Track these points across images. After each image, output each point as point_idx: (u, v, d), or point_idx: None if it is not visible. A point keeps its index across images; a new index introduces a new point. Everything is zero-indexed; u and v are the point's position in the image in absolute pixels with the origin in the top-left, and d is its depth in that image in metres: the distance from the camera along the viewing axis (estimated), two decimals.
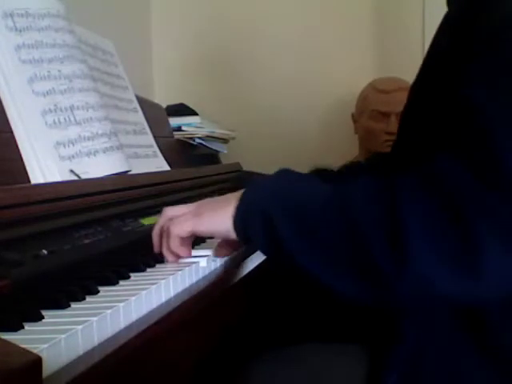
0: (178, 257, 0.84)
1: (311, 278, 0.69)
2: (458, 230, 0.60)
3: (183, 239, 0.82)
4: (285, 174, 0.79)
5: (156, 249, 0.86)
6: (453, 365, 0.76)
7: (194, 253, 0.90)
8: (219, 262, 0.89)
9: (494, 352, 0.74)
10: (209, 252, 0.88)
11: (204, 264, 0.84)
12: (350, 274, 0.67)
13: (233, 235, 0.77)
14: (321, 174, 1.11)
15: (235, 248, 0.90)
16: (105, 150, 1.06)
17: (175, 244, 0.82)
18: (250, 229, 0.74)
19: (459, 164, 0.63)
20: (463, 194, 0.61)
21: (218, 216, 0.78)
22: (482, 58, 0.68)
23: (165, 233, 0.83)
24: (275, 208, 0.71)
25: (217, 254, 0.88)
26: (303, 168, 1.26)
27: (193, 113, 1.79)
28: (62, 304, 0.63)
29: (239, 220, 0.75)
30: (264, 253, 0.77)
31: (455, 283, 0.62)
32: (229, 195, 0.80)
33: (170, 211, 0.85)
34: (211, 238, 1.01)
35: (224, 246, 0.88)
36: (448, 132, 0.69)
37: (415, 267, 0.62)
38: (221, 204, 0.79)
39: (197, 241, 0.98)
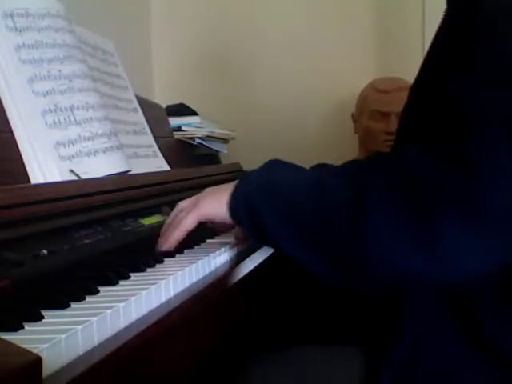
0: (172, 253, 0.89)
1: (296, 264, 0.75)
2: (416, 209, 0.64)
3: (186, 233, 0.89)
4: (272, 164, 0.85)
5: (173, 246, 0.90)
6: (448, 364, 0.76)
7: (195, 253, 0.91)
8: (220, 262, 0.89)
9: (490, 352, 0.74)
10: (209, 252, 0.89)
11: (204, 264, 0.84)
12: (324, 259, 0.72)
13: (228, 219, 0.84)
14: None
15: (244, 240, 0.96)
16: (105, 150, 1.06)
17: (180, 236, 0.88)
18: (239, 217, 0.82)
19: (420, 149, 0.67)
20: (422, 177, 0.65)
21: (216, 202, 0.85)
22: (471, 56, 0.70)
23: (173, 224, 0.89)
24: (258, 197, 0.78)
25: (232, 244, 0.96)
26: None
27: (193, 113, 1.80)
28: (62, 304, 0.63)
29: (231, 207, 0.83)
30: (250, 234, 0.84)
31: (413, 260, 0.65)
32: (228, 184, 0.86)
33: (182, 204, 0.91)
34: (211, 238, 1.01)
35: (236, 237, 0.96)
36: (428, 120, 0.72)
37: (375, 247, 0.66)
38: (217, 191, 0.87)
39: (197, 241, 0.98)
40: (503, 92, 0.65)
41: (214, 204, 0.86)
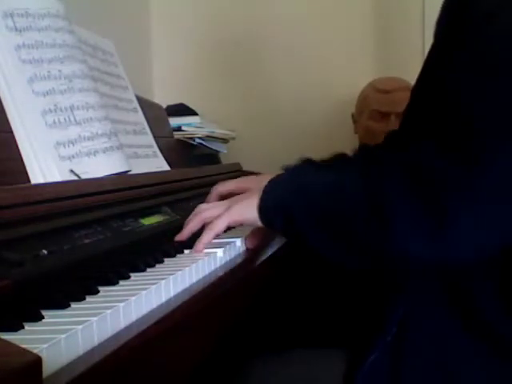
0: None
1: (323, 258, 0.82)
2: (429, 199, 0.69)
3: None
4: (300, 166, 0.89)
5: (181, 237, 0.93)
6: (442, 351, 0.77)
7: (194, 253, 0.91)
8: (219, 262, 0.89)
9: (490, 339, 0.74)
10: (209, 252, 0.89)
11: (204, 264, 0.84)
12: (343, 246, 0.79)
13: (259, 223, 0.88)
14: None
15: (265, 240, 1.00)
16: (105, 150, 1.06)
17: (208, 241, 0.90)
18: (272, 220, 0.85)
19: (432, 142, 0.72)
20: (433, 170, 0.70)
21: (247, 206, 0.88)
22: (463, 46, 0.73)
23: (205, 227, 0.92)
24: (291, 202, 0.82)
25: (248, 245, 0.99)
26: None
27: (193, 113, 1.80)
28: (62, 304, 0.63)
29: (262, 211, 0.86)
30: (285, 236, 0.92)
31: (426, 246, 0.70)
32: (252, 191, 0.90)
33: (206, 212, 0.93)
34: (215, 238, 1.01)
35: (254, 235, 0.98)
36: (431, 115, 0.76)
37: (395, 241, 0.72)
38: (248, 196, 0.90)
39: (195, 241, 0.98)
40: (501, 82, 0.69)
41: (245, 209, 0.89)
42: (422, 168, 0.71)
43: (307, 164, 0.90)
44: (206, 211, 0.94)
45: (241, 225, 0.97)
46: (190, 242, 0.96)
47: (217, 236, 0.92)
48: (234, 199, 0.93)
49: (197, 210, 0.95)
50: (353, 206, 0.76)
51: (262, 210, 0.86)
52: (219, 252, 0.89)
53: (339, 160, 1.05)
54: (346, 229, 0.77)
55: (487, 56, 0.70)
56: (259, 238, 1.00)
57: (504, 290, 0.74)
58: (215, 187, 1.02)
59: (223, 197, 1.02)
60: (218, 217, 0.90)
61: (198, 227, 0.93)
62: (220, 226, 0.90)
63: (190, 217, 0.95)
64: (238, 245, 0.98)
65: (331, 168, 0.86)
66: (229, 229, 1.00)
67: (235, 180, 1.06)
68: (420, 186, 0.70)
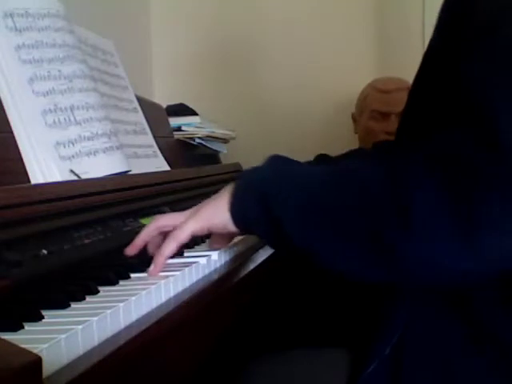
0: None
1: (310, 260, 0.69)
2: (462, 204, 0.61)
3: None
4: (278, 158, 0.79)
5: (133, 250, 0.82)
6: (441, 352, 0.76)
7: (195, 253, 0.91)
8: (219, 262, 0.89)
9: (488, 340, 0.74)
10: (209, 252, 0.89)
11: (204, 264, 0.84)
12: (356, 249, 0.66)
13: (231, 227, 0.76)
14: (322, 161, 1.11)
15: (228, 241, 0.90)
16: (105, 150, 1.06)
17: (169, 253, 0.78)
18: (249, 214, 0.73)
19: (462, 140, 0.64)
20: (466, 169, 0.62)
21: (214, 208, 0.77)
22: (482, 40, 0.69)
23: (162, 239, 0.81)
24: (272, 188, 0.71)
25: (211, 247, 0.89)
26: None
27: (193, 113, 1.80)
28: (62, 304, 0.63)
29: (236, 208, 0.75)
30: (265, 238, 0.77)
31: (458, 257, 0.62)
32: (222, 190, 0.79)
33: (164, 220, 0.83)
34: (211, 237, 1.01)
35: (217, 239, 0.88)
36: (448, 110, 0.69)
37: (420, 240, 0.62)
38: (215, 198, 0.78)
39: (197, 241, 0.98)
40: None
41: (211, 213, 0.77)
42: (452, 158, 0.63)
43: (282, 156, 0.79)
44: (165, 217, 0.83)
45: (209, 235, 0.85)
46: (191, 243, 0.96)
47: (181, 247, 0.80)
48: (197, 206, 0.81)
49: (155, 218, 0.84)
50: (372, 202, 0.65)
51: (235, 205, 0.74)
52: (213, 255, 0.88)
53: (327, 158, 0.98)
54: (357, 227, 0.66)
55: (501, 41, 0.66)
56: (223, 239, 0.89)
57: (507, 300, 0.73)
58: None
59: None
60: (181, 224, 0.78)
61: (150, 236, 0.82)
62: (184, 233, 0.78)
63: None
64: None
65: (324, 160, 0.80)
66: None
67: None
68: (456, 185, 0.62)
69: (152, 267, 0.77)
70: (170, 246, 0.78)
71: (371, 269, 0.67)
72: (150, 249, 0.83)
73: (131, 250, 0.82)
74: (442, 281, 0.69)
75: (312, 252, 0.69)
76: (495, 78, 0.65)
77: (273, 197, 0.70)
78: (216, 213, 0.77)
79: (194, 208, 0.81)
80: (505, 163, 0.61)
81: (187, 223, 0.78)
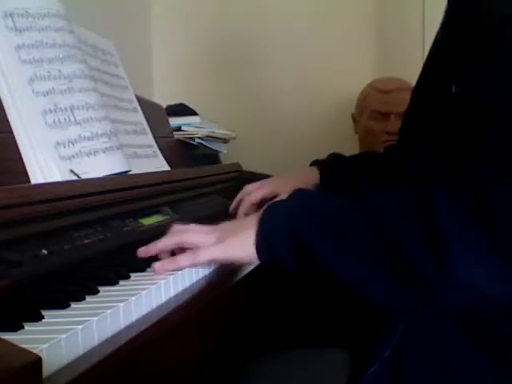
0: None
1: (348, 292, 0.69)
2: (496, 233, 0.61)
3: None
4: (302, 193, 0.76)
5: (145, 254, 0.80)
6: (441, 352, 0.76)
7: None
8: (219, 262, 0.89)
9: (488, 341, 0.74)
10: None
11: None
12: (391, 284, 0.66)
13: (255, 260, 0.74)
14: (336, 161, 1.10)
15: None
16: (105, 150, 1.06)
17: (186, 266, 0.77)
18: (277, 251, 0.71)
19: (494, 169, 0.64)
20: (499, 198, 0.62)
21: (242, 242, 0.74)
22: (486, 57, 0.68)
23: (181, 252, 0.78)
24: (302, 227, 0.69)
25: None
26: (303, 167, 1.26)
27: (193, 113, 1.79)
28: (62, 304, 0.63)
29: (263, 244, 0.72)
30: (292, 273, 0.73)
31: (500, 281, 0.62)
32: (250, 217, 0.76)
33: (185, 237, 0.79)
34: None
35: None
36: (468, 134, 0.68)
37: (461, 273, 0.62)
38: (243, 228, 0.75)
39: None
40: None
41: (238, 244, 0.74)
42: (482, 193, 0.63)
43: (306, 190, 0.77)
44: (189, 233, 0.78)
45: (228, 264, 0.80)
46: None
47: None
48: (223, 228, 0.78)
49: (175, 228, 0.81)
50: (401, 232, 0.64)
51: (261, 243, 0.72)
52: None
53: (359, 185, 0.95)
54: (386, 258, 0.65)
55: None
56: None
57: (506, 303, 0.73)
58: (244, 195, 0.85)
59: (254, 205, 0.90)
60: (205, 247, 0.75)
61: (171, 248, 0.80)
62: (205, 257, 0.75)
63: (167, 235, 0.81)
64: None
65: (337, 160, 0.77)
66: None
67: (266, 183, 0.87)
68: (483, 212, 0.62)
69: (159, 265, 0.76)
70: (187, 262, 0.76)
71: (406, 302, 0.69)
72: (163, 256, 0.81)
73: (144, 253, 0.80)
74: (474, 305, 0.69)
75: (350, 284, 0.68)
76: (502, 91, 0.65)
77: (301, 237, 0.69)
78: (242, 246, 0.74)
79: (218, 231, 0.78)
80: None
81: (212, 250, 0.75)
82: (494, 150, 0.66)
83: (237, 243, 0.74)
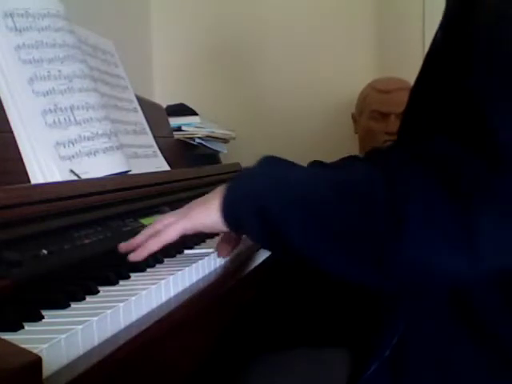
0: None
1: (308, 263, 0.70)
2: (456, 205, 0.62)
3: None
4: (272, 161, 0.79)
5: (127, 249, 0.81)
6: (441, 351, 0.76)
7: (194, 253, 0.91)
8: (219, 262, 0.89)
9: (489, 340, 0.74)
10: (209, 252, 0.89)
11: (204, 264, 0.84)
12: (352, 255, 0.67)
13: (222, 227, 0.76)
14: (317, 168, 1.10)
15: (235, 245, 0.89)
16: (105, 150, 1.06)
17: (154, 248, 0.79)
18: (242, 219, 0.73)
19: (457, 144, 0.64)
20: (460, 171, 0.63)
21: (205, 209, 0.77)
22: (482, 49, 0.68)
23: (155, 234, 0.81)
24: (270, 198, 0.71)
25: (220, 255, 0.88)
26: None
27: (193, 113, 1.80)
28: (62, 304, 0.63)
29: (228, 210, 0.75)
30: (258, 241, 0.77)
31: (453, 260, 0.63)
32: (214, 190, 0.79)
33: (159, 223, 0.82)
34: (211, 237, 1.01)
35: (224, 244, 0.88)
36: (445, 116, 0.70)
37: (414, 245, 0.63)
38: (208, 197, 0.79)
39: (197, 241, 0.98)
40: None
41: (202, 213, 0.78)
42: (446, 169, 0.63)
43: (278, 159, 0.79)
44: (159, 221, 0.82)
45: (201, 233, 0.84)
46: (191, 243, 0.96)
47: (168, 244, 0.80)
48: (191, 203, 0.82)
49: (152, 226, 0.83)
50: (368, 206, 0.65)
51: (227, 208, 0.74)
52: (214, 255, 0.88)
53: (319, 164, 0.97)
54: (353, 230, 0.66)
55: (504, 48, 0.66)
56: (230, 243, 0.88)
57: (507, 301, 0.73)
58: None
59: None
60: (170, 224, 0.80)
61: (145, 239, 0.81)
62: (170, 234, 0.79)
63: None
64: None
65: (319, 167, 0.79)
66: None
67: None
68: (445, 189, 0.63)
69: (132, 256, 0.79)
70: (156, 244, 0.79)
71: (368, 273, 0.68)
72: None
73: (125, 247, 0.82)
74: (432, 284, 0.70)
75: (312, 259, 0.69)
76: (495, 90, 0.65)
77: (268, 210, 0.70)
78: (207, 214, 0.77)
79: (186, 207, 0.82)
80: (503, 175, 0.61)
81: (178, 223, 0.79)
82: (456, 124, 0.66)
83: (202, 212, 0.77)
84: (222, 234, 0.89)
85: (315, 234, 0.68)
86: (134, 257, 0.79)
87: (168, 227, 0.79)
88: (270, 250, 0.82)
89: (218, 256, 0.88)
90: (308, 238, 0.68)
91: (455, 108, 0.69)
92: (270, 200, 0.70)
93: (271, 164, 0.78)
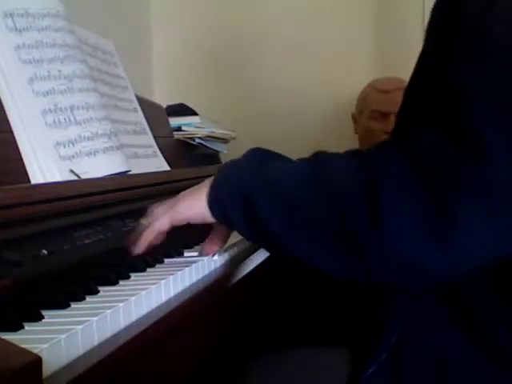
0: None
1: (291, 256, 0.71)
2: (433, 198, 0.62)
3: (159, 235, 0.82)
4: (258, 153, 0.80)
5: (142, 248, 0.83)
6: (440, 352, 0.76)
7: (194, 253, 0.91)
8: (219, 262, 0.89)
9: (487, 341, 0.73)
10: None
11: (204, 264, 0.84)
12: (332, 249, 0.68)
13: (209, 217, 0.77)
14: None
15: (223, 242, 0.89)
16: (105, 150, 1.06)
17: (150, 237, 0.81)
18: (227, 207, 0.75)
19: (433, 135, 0.65)
20: (444, 171, 0.63)
21: (192, 200, 0.79)
22: (468, 45, 0.68)
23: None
24: (253, 188, 0.72)
25: (205, 252, 0.87)
26: None
27: (193, 113, 1.79)
28: (62, 304, 0.63)
29: (214, 201, 0.76)
30: (242, 233, 0.78)
31: (432, 254, 0.62)
32: (203, 182, 0.80)
33: (154, 208, 0.84)
34: None
35: (211, 241, 0.88)
36: (429, 111, 0.70)
37: (392, 239, 0.63)
38: (194, 190, 0.80)
39: (195, 241, 0.98)
40: (498, 79, 0.64)
41: (189, 204, 0.79)
42: (423, 158, 0.64)
43: (264, 150, 0.81)
44: (152, 211, 0.83)
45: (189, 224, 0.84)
46: (191, 243, 0.96)
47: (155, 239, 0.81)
48: (180, 195, 0.82)
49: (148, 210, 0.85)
50: (344, 196, 0.66)
51: (213, 198, 0.76)
52: (220, 251, 0.88)
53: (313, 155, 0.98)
54: (330, 220, 0.67)
55: (487, 43, 0.66)
56: (216, 241, 0.87)
57: (505, 301, 0.73)
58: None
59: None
60: (157, 217, 0.81)
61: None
62: (159, 224, 0.80)
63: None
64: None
65: (301, 160, 0.77)
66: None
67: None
68: (422, 178, 0.63)
69: (134, 248, 0.81)
70: (148, 237, 0.81)
71: (344, 266, 0.68)
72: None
73: (140, 249, 0.83)
74: (410, 280, 0.69)
75: (297, 257, 0.70)
76: (481, 85, 0.65)
77: (251, 199, 0.72)
78: (194, 204, 0.78)
79: (174, 199, 0.83)
80: (483, 167, 0.61)
81: (167, 213, 0.80)
82: (439, 117, 0.66)
83: (189, 203, 0.79)
84: (210, 235, 0.88)
85: (297, 230, 0.69)
86: (136, 250, 0.81)
87: (155, 220, 0.81)
88: (256, 242, 0.83)
89: (200, 252, 0.88)
90: (290, 234, 0.69)
91: (440, 104, 0.69)
92: (253, 190, 0.72)
93: (257, 155, 0.79)
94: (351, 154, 0.74)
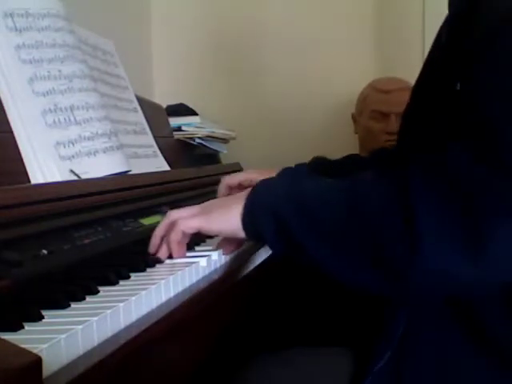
0: (171, 255, 0.84)
1: (325, 274, 0.71)
2: (469, 216, 0.62)
3: (184, 237, 0.83)
4: (292, 173, 0.82)
5: (153, 249, 0.85)
6: (442, 356, 0.76)
7: (194, 253, 0.91)
8: (219, 263, 0.89)
9: (489, 345, 0.74)
10: (209, 252, 0.88)
11: (204, 264, 0.84)
12: (365, 267, 0.68)
13: (241, 234, 0.78)
14: (321, 165, 1.10)
15: (240, 244, 0.90)
16: (105, 150, 1.06)
17: (176, 238, 0.82)
18: (261, 228, 0.74)
19: (468, 153, 0.64)
20: (472, 181, 0.63)
21: (227, 214, 0.78)
22: (485, 57, 0.68)
23: (169, 230, 0.83)
24: (287, 208, 0.72)
25: (225, 252, 0.89)
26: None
27: (193, 113, 1.80)
28: (62, 304, 0.63)
29: (248, 219, 0.76)
30: (275, 252, 0.78)
31: (467, 269, 0.63)
32: (237, 194, 0.81)
33: (175, 213, 0.84)
34: (211, 237, 1.01)
35: (229, 241, 0.88)
36: (454, 125, 0.70)
37: (428, 257, 0.63)
38: (229, 202, 0.80)
39: (197, 241, 0.98)
40: None
41: (224, 217, 0.78)
42: (460, 177, 0.64)
43: (297, 169, 0.82)
44: (175, 212, 0.84)
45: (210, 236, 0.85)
46: (191, 243, 0.96)
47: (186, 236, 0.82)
48: (210, 203, 0.83)
49: (167, 218, 0.85)
50: (375, 217, 0.66)
51: (248, 221, 0.76)
52: (213, 255, 0.88)
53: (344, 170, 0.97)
54: (364, 241, 0.67)
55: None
56: (234, 241, 0.88)
57: (507, 302, 0.73)
58: (224, 178, 0.95)
59: (232, 189, 0.98)
60: (190, 216, 0.81)
61: (165, 231, 0.84)
62: (188, 224, 0.80)
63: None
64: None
65: (328, 179, 0.77)
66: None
67: (244, 171, 0.97)
68: (456, 197, 0.63)
69: (173, 254, 0.82)
70: (174, 236, 0.81)
71: (378, 285, 0.69)
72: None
73: (154, 248, 0.84)
74: (448, 291, 0.70)
75: (331, 273, 0.71)
76: (496, 92, 0.65)
77: (287, 224, 0.72)
78: (228, 220, 0.78)
79: (206, 205, 0.82)
80: (504, 177, 0.61)
81: (198, 218, 0.80)
82: (469, 136, 0.66)
83: (222, 216, 0.78)
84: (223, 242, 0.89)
85: (333, 256, 0.70)
86: (176, 254, 0.82)
87: (189, 218, 0.80)
88: (284, 256, 0.81)
89: (223, 253, 0.89)
90: (324, 254, 0.70)
91: (456, 109, 0.68)
92: (288, 214, 0.72)
93: (291, 175, 0.81)
94: (382, 172, 0.73)
